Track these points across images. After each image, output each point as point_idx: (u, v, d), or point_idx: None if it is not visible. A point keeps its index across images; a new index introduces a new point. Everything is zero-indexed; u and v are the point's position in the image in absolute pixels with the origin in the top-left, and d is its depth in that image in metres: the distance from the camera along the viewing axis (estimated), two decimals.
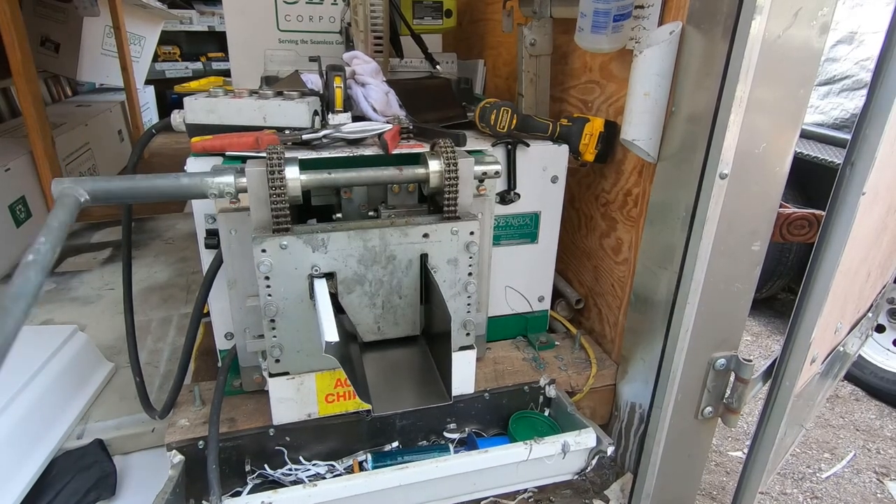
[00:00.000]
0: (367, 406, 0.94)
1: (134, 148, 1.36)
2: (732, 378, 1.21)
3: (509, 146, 1.32)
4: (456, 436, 1.38)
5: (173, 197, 1.02)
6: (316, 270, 1.03)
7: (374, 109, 1.32)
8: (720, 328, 1.17)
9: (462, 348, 1.19)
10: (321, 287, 1.00)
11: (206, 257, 1.20)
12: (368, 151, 1.21)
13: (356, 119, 1.27)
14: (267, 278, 1.01)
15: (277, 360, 1.08)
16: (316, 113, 1.26)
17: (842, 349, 1.43)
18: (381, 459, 1.27)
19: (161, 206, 2.95)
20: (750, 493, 1.27)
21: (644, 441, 1.30)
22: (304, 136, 1.18)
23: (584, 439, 1.24)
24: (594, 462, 1.27)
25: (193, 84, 4.80)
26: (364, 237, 1.03)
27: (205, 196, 1.02)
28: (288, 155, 1.04)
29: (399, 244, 1.06)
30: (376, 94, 1.33)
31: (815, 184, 2.72)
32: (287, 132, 1.19)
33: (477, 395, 1.35)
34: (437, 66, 1.78)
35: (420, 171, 1.08)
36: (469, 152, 1.15)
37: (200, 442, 1.19)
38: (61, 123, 3.34)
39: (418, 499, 1.21)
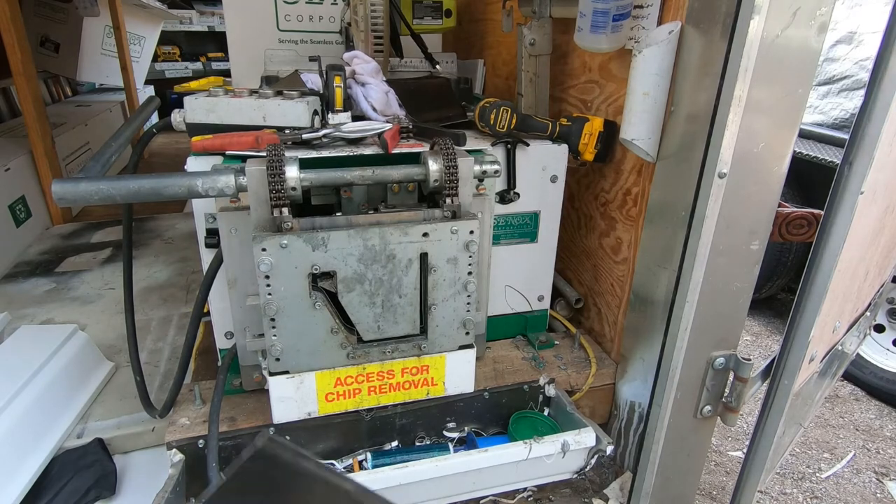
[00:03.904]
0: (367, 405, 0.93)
1: (134, 148, 1.36)
2: (731, 377, 1.21)
3: (509, 146, 1.32)
4: (455, 435, 1.38)
5: (173, 197, 1.02)
6: (316, 269, 1.03)
7: (374, 109, 1.33)
8: (719, 327, 1.18)
9: (461, 347, 1.19)
10: None
11: (207, 256, 1.20)
12: (368, 151, 1.21)
13: (356, 118, 1.28)
14: (267, 277, 1.01)
15: (277, 359, 1.09)
16: (316, 112, 1.26)
17: (840, 348, 1.43)
18: (381, 458, 1.27)
19: (161, 206, 2.95)
20: (749, 491, 1.27)
21: (643, 440, 1.30)
22: (304, 136, 1.18)
23: (584, 438, 1.24)
24: (593, 461, 1.28)
25: (193, 84, 4.80)
26: (364, 236, 1.03)
27: (205, 195, 1.02)
28: (288, 154, 1.04)
29: (399, 243, 1.06)
30: (376, 93, 1.33)
31: (815, 183, 2.72)
32: (287, 131, 1.19)
33: (476, 394, 1.35)
34: (437, 66, 1.78)
35: (420, 170, 1.09)
36: (469, 152, 1.16)
37: (200, 441, 1.19)
38: (61, 123, 3.35)
39: (418, 497, 1.21)
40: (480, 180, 1.19)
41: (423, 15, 1.91)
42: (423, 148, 1.22)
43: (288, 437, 1.25)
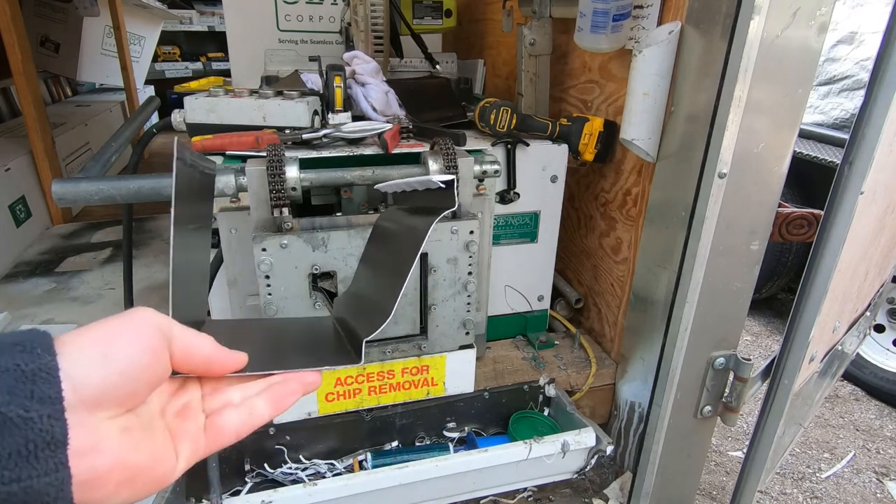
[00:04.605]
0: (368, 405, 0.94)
1: (134, 148, 1.36)
2: (731, 377, 1.21)
3: (509, 146, 1.32)
4: (456, 435, 1.38)
5: None
6: (316, 269, 1.03)
7: (374, 109, 1.33)
8: (719, 327, 1.18)
9: (462, 347, 1.19)
10: None
11: None
12: (368, 151, 1.21)
13: (356, 119, 1.28)
14: (267, 277, 1.01)
15: None
16: (316, 112, 1.26)
17: (840, 348, 1.43)
18: (381, 458, 1.28)
19: (161, 206, 2.94)
20: (749, 491, 1.28)
21: (643, 440, 1.31)
22: (304, 136, 1.18)
23: (584, 438, 1.24)
24: (594, 461, 1.28)
25: (193, 84, 4.80)
26: (364, 236, 1.03)
27: None
28: (288, 154, 1.04)
29: None
30: (376, 93, 1.33)
31: (815, 183, 2.72)
32: (287, 132, 1.19)
33: (476, 394, 1.35)
34: (437, 66, 1.78)
35: (420, 170, 1.09)
36: (469, 152, 1.16)
37: None
38: (61, 123, 3.35)
39: (418, 498, 1.21)
40: (480, 180, 1.19)
41: (423, 15, 1.91)
42: (423, 148, 1.22)
43: (288, 437, 1.25)
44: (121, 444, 0.39)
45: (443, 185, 0.61)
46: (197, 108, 1.21)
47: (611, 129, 1.37)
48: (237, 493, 1.22)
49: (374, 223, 0.73)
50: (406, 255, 0.58)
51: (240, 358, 0.49)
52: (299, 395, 0.52)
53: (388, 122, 1.28)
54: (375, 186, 0.86)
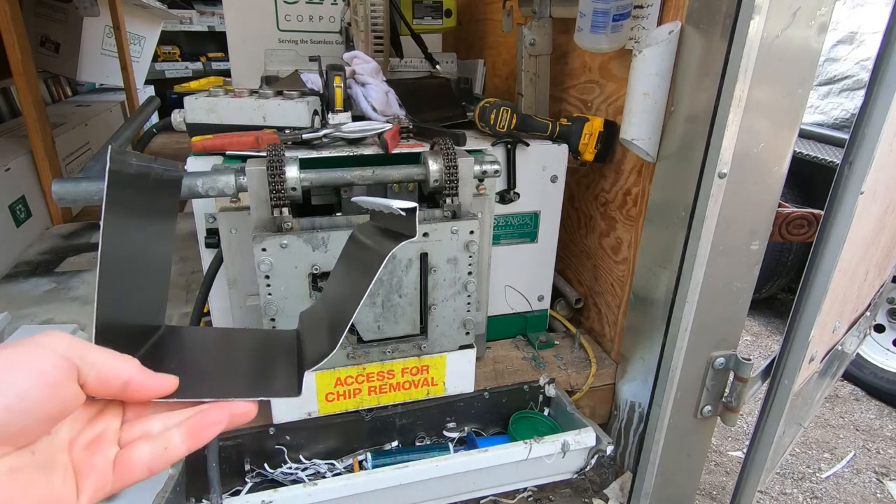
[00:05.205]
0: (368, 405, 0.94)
1: (134, 148, 1.36)
2: (731, 377, 1.21)
3: (509, 146, 1.32)
4: (456, 435, 1.38)
5: None
6: (316, 269, 1.03)
7: (374, 109, 1.33)
8: (719, 327, 1.18)
9: (462, 347, 1.19)
10: None
11: (207, 256, 1.20)
12: (368, 151, 1.21)
13: (356, 118, 1.28)
14: (267, 277, 1.01)
15: None
16: (316, 112, 1.26)
17: (840, 348, 1.43)
18: (381, 458, 1.28)
19: None
20: (749, 491, 1.27)
21: (643, 440, 1.31)
22: (304, 136, 1.18)
23: (584, 438, 1.24)
24: (594, 461, 1.28)
25: (193, 84, 4.80)
26: None
27: (205, 195, 1.02)
28: (288, 154, 1.04)
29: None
30: (376, 93, 1.33)
31: (815, 183, 2.72)
32: (287, 131, 1.19)
33: (476, 394, 1.35)
34: (437, 66, 1.78)
35: (420, 170, 1.09)
36: (469, 152, 1.16)
37: None
38: (61, 123, 3.34)
39: (418, 498, 1.21)
40: (480, 180, 1.19)
41: (423, 15, 1.91)
42: (423, 148, 1.22)
43: (288, 437, 1.25)
44: (5, 489, 0.35)
45: (403, 213, 0.57)
46: (197, 108, 1.21)
47: (611, 129, 1.37)
48: (237, 493, 1.22)
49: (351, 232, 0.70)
50: (360, 285, 0.54)
51: (166, 383, 0.44)
52: (222, 426, 0.47)
53: (388, 122, 1.28)
54: (350, 199, 0.83)
